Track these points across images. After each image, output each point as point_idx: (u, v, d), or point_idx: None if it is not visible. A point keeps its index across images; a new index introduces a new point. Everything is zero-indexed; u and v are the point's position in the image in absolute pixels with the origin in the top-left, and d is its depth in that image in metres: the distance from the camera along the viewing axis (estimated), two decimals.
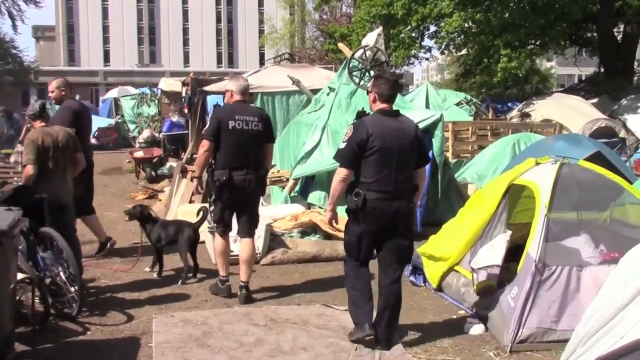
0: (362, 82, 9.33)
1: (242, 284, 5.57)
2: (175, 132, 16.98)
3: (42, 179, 5.48)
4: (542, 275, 4.60)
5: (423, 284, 6.12)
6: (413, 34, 20.64)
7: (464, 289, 5.39)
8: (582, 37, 24.04)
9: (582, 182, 5.15)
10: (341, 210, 4.75)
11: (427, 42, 21.99)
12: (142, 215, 6.45)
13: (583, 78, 30.51)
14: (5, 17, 37.75)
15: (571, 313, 4.48)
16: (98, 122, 24.03)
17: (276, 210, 8.16)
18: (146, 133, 17.53)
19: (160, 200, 10.70)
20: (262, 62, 50.05)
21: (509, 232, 5.16)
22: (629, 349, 2.51)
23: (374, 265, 4.69)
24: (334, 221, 4.68)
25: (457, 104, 16.53)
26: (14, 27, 38.63)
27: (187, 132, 15.31)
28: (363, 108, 5.22)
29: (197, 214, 6.51)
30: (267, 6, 63.07)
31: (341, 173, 4.46)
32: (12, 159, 12.15)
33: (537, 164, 5.52)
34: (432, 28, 21.06)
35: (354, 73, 9.55)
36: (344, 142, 4.49)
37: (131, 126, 23.52)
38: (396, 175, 4.39)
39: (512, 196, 5.56)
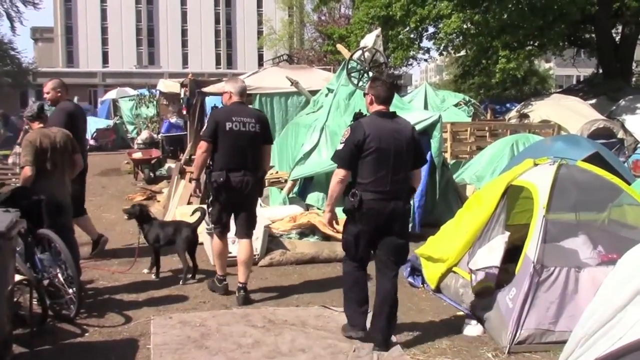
0: (360, 84, 9.33)
1: (240, 285, 5.57)
2: (173, 133, 16.97)
3: (40, 181, 5.48)
4: (540, 276, 4.61)
5: (421, 285, 6.12)
6: (412, 35, 20.64)
7: (463, 290, 5.38)
8: (580, 38, 24.07)
9: (580, 183, 5.16)
10: (340, 212, 4.77)
11: (425, 43, 22.04)
12: (142, 214, 6.45)
13: (581, 79, 30.58)
14: (4, 18, 37.89)
15: (569, 314, 4.48)
16: (96, 123, 24.11)
17: (274, 211, 8.16)
18: (145, 134, 17.53)
19: (158, 201, 10.69)
20: (260, 63, 50.18)
21: (507, 233, 5.15)
22: (627, 350, 2.51)
23: (372, 266, 4.71)
24: (334, 222, 4.72)
25: (456, 105, 16.50)
26: (13, 28, 38.79)
27: (185, 133, 15.28)
28: (360, 110, 5.26)
29: (192, 214, 6.52)
30: (265, 7, 63.13)
31: (339, 174, 4.51)
32: (10, 160, 12.15)
33: (536, 164, 5.52)
34: (431, 29, 21.09)
35: (352, 74, 9.55)
36: (341, 143, 4.54)
37: (130, 127, 23.52)
38: (392, 176, 4.43)
39: (510, 197, 5.57)
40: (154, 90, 22.59)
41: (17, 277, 4.44)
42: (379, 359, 4.38)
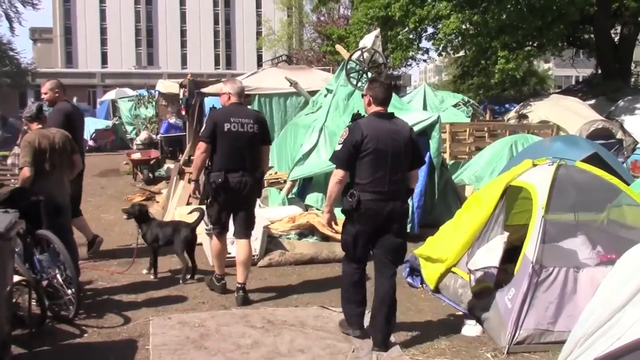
0: (359, 84, 9.33)
1: (239, 285, 5.57)
2: (172, 133, 16.98)
3: (39, 181, 5.48)
4: (539, 276, 4.61)
5: (420, 286, 6.13)
6: (411, 36, 20.66)
7: (462, 290, 5.38)
8: (579, 38, 24.08)
9: (579, 183, 5.16)
10: (338, 212, 4.78)
11: (424, 43, 22.14)
12: (141, 214, 6.45)
13: (580, 79, 30.57)
14: (3, 19, 37.85)
15: (568, 314, 4.49)
16: (95, 123, 24.12)
17: (274, 212, 8.16)
18: (143, 135, 17.53)
19: (157, 202, 10.69)
20: (259, 63, 50.15)
21: (506, 234, 5.16)
22: (626, 350, 2.52)
23: (370, 267, 4.72)
24: (333, 222, 4.75)
25: (455, 106, 16.53)
26: (11, 29, 38.81)
27: (184, 133, 15.28)
28: (358, 111, 5.29)
29: (190, 213, 6.52)
30: (264, 8, 63.07)
31: (337, 174, 4.53)
32: (9, 161, 12.15)
33: (534, 165, 5.53)
34: (430, 30, 21.10)
35: (351, 75, 9.55)
36: (339, 144, 4.58)
37: (129, 128, 23.53)
38: (390, 176, 4.46)
39: (509, 198, 5.57)
40: (153, 91, 22.62)
41: (16, 278, 4.44)
42: (378, 359, 4.38)
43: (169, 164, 14.00)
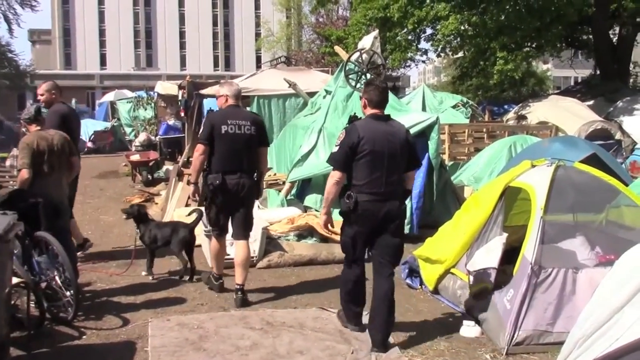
0: (358, 85, 9.33)
1: (238, 286, 5.57)
2: (171, 135, 16.98)
3: (37, 183, 5.47)
4: (538, 277, 4.61)
5: (419, 287, 6.12)
6: (409, 37, 20.69)
7: (460, 291, 5.38)
8: (577, 39, 24.12)
9: (577, 184, 5.16)
10: (336, 214, 4.80)
11: (423, 44, 22.17)
12: (139, 215, 6.46)
13: (579, 80, 30.55)
14: (1, 20, 37.85)
15: (567, 315, 4.48)
16: (94, 125, 24.14)
17: (272, 213, 8.16)
18: (142, 136, 17.55)
19: (156, 203, 10.69)
20: (258, 65, 50.16)
21: (505, 235, 5.15)
22: (625, 350, 2.52)
23: (369, 268, 4.72)
24: (329, 224, 4.78)
25: (454, 107, 16.53)
26: (10, 30, 38.76)
27: (183, 135, 15.30)
28: (355, 113, 5.32)
29: (189, 215, 6.52)
30: (263, 9, 63.12)
31: (334, 176, 4.57)
32: (7, 162, 12.12)
33: (533, 166, 5.52)
34: (429, 31, 21.14)
35: (350, 76, 9.55)
36: (336, 145, 4.63)
37: (127, 129, 23.54)
38: (387, 177, 4.49)
39: (508, 198, 5.57)
40: (151, 93, 22.61)
41: (15, 280, 4.43)
42: None
43: (168, 166, 13.99)
